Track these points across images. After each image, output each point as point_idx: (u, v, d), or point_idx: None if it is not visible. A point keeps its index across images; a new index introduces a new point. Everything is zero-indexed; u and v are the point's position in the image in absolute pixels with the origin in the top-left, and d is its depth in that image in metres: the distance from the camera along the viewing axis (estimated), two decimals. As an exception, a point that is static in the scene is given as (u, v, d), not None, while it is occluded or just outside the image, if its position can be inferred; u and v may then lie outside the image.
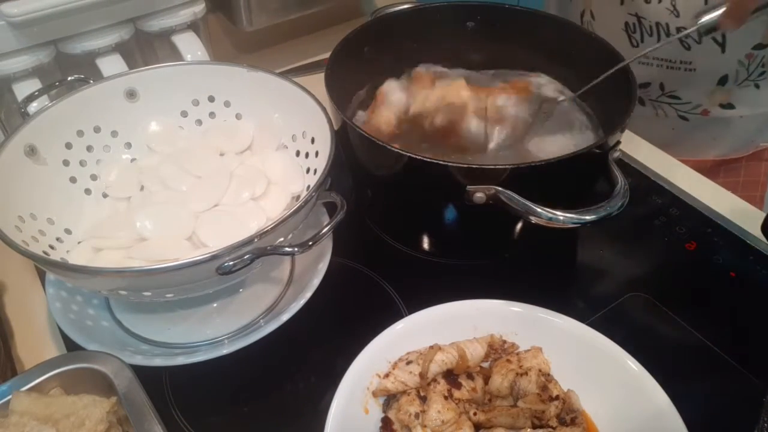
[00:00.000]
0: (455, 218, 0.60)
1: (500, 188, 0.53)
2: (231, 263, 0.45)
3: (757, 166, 0.89)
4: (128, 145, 0.63)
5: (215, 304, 0.58)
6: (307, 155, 0.59)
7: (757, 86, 0.80)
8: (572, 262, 0.68)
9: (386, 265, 0.66)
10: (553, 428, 0.47)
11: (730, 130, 0.85)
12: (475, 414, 0.47)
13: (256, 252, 0.46)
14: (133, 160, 0.63)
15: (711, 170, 0.78)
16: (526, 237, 0.64)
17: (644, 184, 0.75)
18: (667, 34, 0.77)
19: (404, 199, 0.64)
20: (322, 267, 0.58)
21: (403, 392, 0.49)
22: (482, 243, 0.67)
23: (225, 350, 0.52)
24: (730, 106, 0.82)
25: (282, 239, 0.49)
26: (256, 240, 0.46)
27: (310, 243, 0.47)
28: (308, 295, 0.55)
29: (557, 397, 0.48)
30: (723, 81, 0.79)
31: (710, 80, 0.80)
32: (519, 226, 0.62)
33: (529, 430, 0.46)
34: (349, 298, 0.63)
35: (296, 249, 0.47)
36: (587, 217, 0.51)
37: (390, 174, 0.60)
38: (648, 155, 0.79)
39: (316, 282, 0.56)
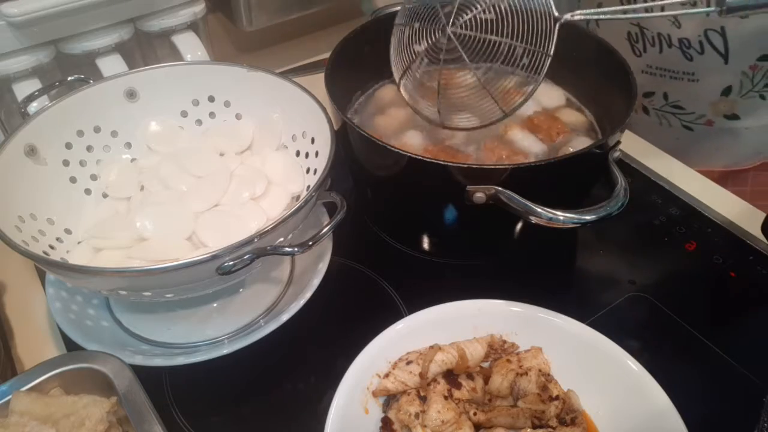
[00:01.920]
0: (455, 218, 0.60)
1: (500, 188, 0.53)
2: (231, 263, 0.45)
3: (766, 176, 0.88)
4: (128, 145, 0.63)
5: (215, 304, 0.58)
6: (307, 155, 0.60)
7: (762, 97, 0.79)
8: (572, 262, 0.68)
9: (386, 265, 0.66)
10: (553, 428, 0.47)
11: (736, 141, 0.84)
12: (475, 414, 0.47)
13: (256, 252, 0.46)
14: (133, 160, 0.63)
15: (718, 180, 0.77)
16: (526, 237, 0.64)
17: (644, 184, 0.75)
18: (669, 45, 0.77)
19: (404, 199, 0.64)
20: (322, 267, 0.58)
21: (403, 392, 0.49)
22: (482, 243, 0.67)
23: (225, 350, 0.52)
24: (735, 117, 0.82)
25: (282, 239, 0.49)
26: (256, 240, 0.46)
27: (310, 243, 0.47)
28: (308, 295, 0.55)
29: (557, 397, 0.48)
30: (727, 92, 0.79)
31: (714, 91, 0.80)
32: (519, 226, 0.62)
33: (529, 430, 0.46)
34: (349, 298, 0.63)
35: (296, 249, 0.47)
36: (587, 217, 0.51)
37: (390, 174, 0.60)
38: (648, 155, 0.79)
39: (316, 282, 0.56)
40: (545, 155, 0.64)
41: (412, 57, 0.62)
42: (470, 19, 0.56)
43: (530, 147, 0.64)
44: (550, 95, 0.71)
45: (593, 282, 0.66)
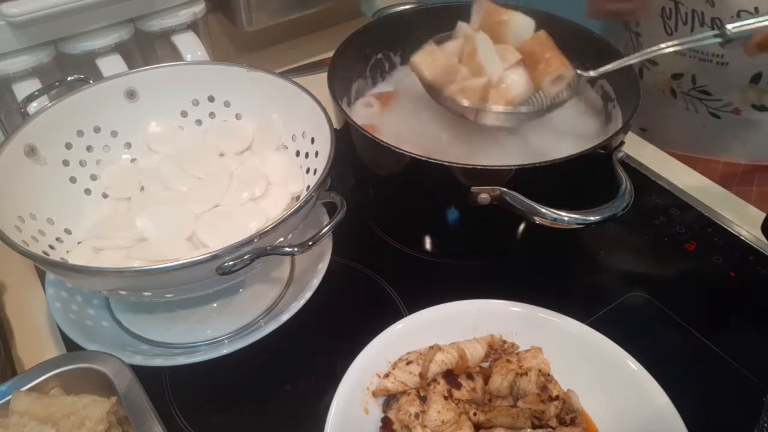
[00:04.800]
0: (458, 219, 0.60)
1: (505, 189, 0.53)
2: (231, 263, 0.45)
3: None
4: (128, 145, 0.63)
5: (215, 304, 0.58)
6: (306, 155, 0.59)
7: None
8: (573, 263, 0.68)
9: (387, 266, 0.66)
10: (553, 428, 0.47)
11: (762, 133, 0.83)
12: (475, 414, 0.47)
13: (255, 252, 0.46)
14: (133, 160, 0.63)
15: (744, 175, 0.76)
16: (528, 238, 0.64)
17: (644, 184, 0.75)
18: (702, 24, 0.76)
19: (406, 199, 0.64)
20: (322, 267, 0.58)
21: (403, 392, 0.49)
22: (484, 244, 0.67)
23: (225, 350, 0.52)
24: (763, 108, 0.81)
25: (282, 239, 0.49)
26: (255, 240, 0.46)
27: (310, 243, 0.47)
28: (308, 295, 0.55)
29: (557, 397, 0.48)
30: (756, 79, 0.78)
31: (743, 77, 0.79)
32: (522, 227, 0.62)
33: (529, 430, 0.46)
34: (349, 298, 0.63)
35: (296, 249, 0.47)
36: (592, 218, 0.51)
37: (392, 174, 0.60)
38: (649, 155, 0.79)
39: (316, 282, 0.56)
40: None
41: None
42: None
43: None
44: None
45: (593, 282, 0.66)
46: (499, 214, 0.54)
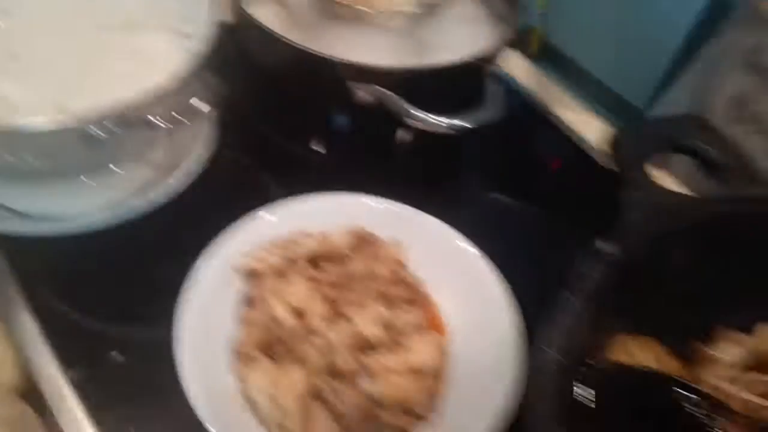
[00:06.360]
0: (342, 116, 0.62)
1: (382, 88, 0.55)
2: (96, 131, 0.45)
3: None
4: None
5: (84, 179, 0.57)
6: (188, 36, 0.58)
7: None
8: (442, 169, 0.72)
9: (269, 158, 0.67)
10: (400, 309, 0.51)
11: None
12: (330, 292, 0.51)
13: (122, 121, 0.45)
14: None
15: None
16: (407, 141, 0.67)
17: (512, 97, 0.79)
18: None
19: (289, 93, 0.65)
20: (201, 154, 0.58)
21: (267, 272, 0.52)
22: (367, 145, 0.69)
23: (94, 224, 0.52)
24: None
25: (152, 116, 0.49)
26: (124, 110, 0.45)
27: (181, 118, 0.47)
28: (184, 179, 0.56)
29: (406, 283, 0.53)
30: None
31: None
32: (401, 128, 0.64)
33: (377, 307, 0.50)
34: (227, 187, 0.63)
35: (165, 123, 0.47)
36: (465, 124, 0.55)
37: (277, 66, 0.60)
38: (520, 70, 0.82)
39: (194, 168, 0.57)
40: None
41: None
42: None
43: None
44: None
45: (457, 183, 0.71)
46: (378, 116, 0.56)
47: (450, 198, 0.68)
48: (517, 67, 0.81)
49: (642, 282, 0.46)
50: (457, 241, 0.56)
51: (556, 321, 0.42)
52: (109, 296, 0.55)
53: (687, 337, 0.51)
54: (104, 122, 0.45)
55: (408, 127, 0.56)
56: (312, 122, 0.69)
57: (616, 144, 0.51)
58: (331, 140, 0.69)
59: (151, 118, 0.47)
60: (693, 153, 0.50)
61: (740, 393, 0.47)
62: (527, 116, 0.77)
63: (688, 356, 0.50)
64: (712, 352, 0.50)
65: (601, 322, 0.45)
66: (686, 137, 0.50)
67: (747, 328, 0.50)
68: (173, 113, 0.47)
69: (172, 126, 0.47)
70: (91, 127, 0.45)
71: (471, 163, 0.74)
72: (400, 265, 0.55)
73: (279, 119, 0.71)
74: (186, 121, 0.48)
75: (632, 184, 0.47)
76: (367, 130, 0.64)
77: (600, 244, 0.43)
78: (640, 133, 0.53)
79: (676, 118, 0.60)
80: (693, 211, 0.47)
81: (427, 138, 0.57)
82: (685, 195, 0.55)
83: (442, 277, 0.55)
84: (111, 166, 0.57)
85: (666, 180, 0.67)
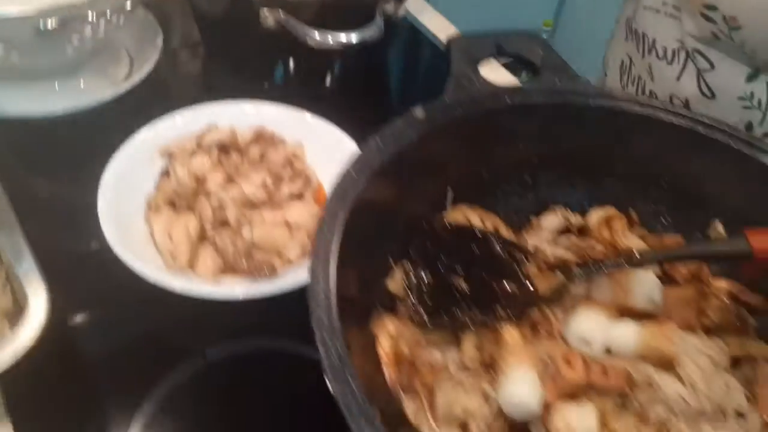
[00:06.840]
0: (256, 41, 0.76)
1: (283, 12, 0.68)
2: (45, 24, 0.59)
3: None
4: None
5: (56, 83, 0.71)
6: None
7: None
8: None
9: (211, 80, 0.85)
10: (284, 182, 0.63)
11: None
12: (229, 168, 0.63)
13: (67, 14, 0.60)
14: None
15: None
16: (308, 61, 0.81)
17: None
18: (642, 92, 0.75)
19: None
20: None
21: (181, 152, 0.65)
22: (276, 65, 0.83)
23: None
24: None
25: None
26: (70, 8, 0.59)
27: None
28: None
29: (295, 166, 0.65)
30: None
31: None
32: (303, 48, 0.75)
33: (264, 177, 0.62)
34: (172, 97, 0.79)
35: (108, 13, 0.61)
36: (352, 40, 0.67)
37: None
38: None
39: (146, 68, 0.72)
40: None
41: None
42: None
43: None
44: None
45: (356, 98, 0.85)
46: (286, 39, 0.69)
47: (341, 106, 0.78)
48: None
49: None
50: (345, 140, 0.67)
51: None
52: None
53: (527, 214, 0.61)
54: (54, 15, 0.59)
55: (310, 48, 0.69)
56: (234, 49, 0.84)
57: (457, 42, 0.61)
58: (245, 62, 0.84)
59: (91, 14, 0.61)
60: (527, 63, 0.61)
61: (554, 249, 0.57)
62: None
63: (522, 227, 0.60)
64: (538, 222, 0.60)
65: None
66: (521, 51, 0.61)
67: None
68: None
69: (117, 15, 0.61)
70: (47, 19, 0.59)
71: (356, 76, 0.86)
72: (296, 156, 0.67)
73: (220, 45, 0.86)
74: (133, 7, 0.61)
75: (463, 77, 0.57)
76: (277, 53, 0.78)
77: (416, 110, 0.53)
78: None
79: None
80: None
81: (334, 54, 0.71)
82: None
83: (333, 168, 0.66)
84: (79, 75, 0.72)
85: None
